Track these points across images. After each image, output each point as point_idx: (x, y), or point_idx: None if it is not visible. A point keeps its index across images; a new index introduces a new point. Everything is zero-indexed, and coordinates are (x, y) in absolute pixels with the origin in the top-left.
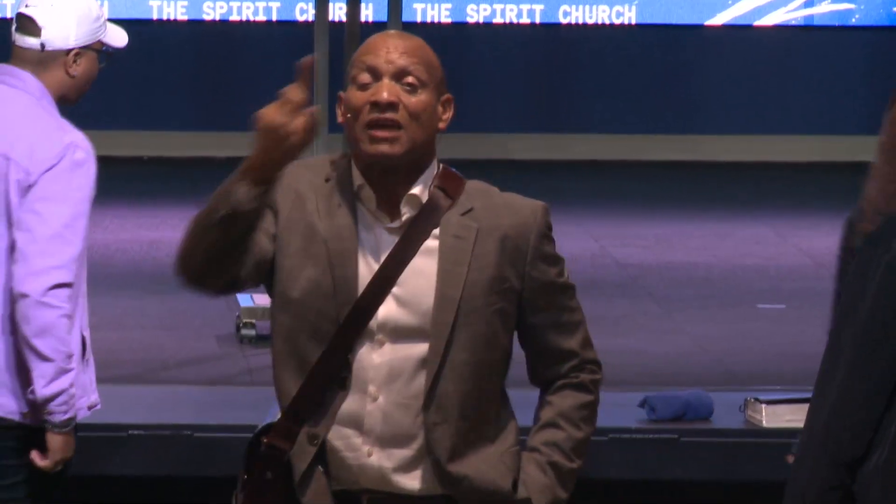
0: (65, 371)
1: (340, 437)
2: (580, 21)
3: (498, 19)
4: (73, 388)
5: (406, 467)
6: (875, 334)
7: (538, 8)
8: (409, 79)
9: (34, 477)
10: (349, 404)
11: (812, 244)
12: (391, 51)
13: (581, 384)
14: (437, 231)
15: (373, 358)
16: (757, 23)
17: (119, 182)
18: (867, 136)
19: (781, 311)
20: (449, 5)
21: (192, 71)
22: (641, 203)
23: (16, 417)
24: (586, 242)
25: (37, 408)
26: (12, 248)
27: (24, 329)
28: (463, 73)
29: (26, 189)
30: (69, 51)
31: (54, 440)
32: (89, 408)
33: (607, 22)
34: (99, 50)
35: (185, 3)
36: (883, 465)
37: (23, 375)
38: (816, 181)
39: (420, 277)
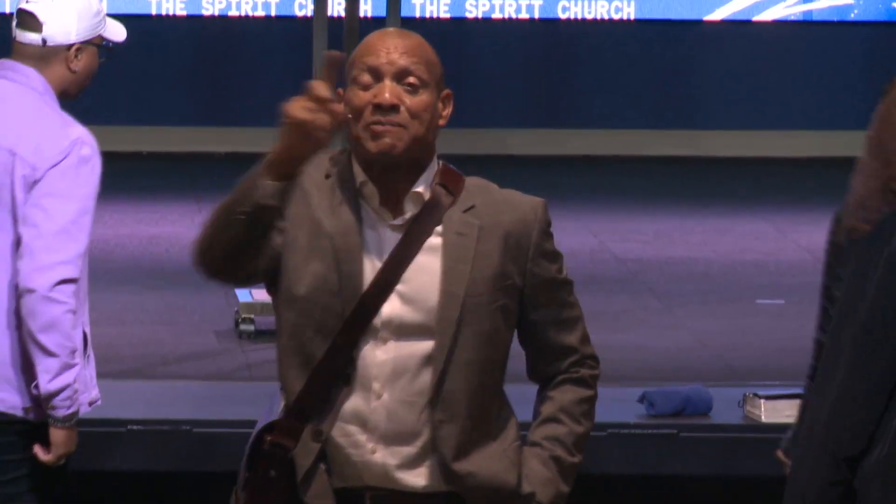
0: (69, 366)
1: (344, 435)
2: (579, 16)
3: (497, 15)
4: (77, 384)
5: (410, 464)
6: (875, 334)
7: (537, 3)
8: (411, 79)
9: (36, 471)
10: (353, 401)
11: (811, 239)
12: (391, 51)
13: (581, 379)
14: (439, 228)
15: (377, 355)
16: (756, 18)
17: (118, 177)
18: (866, 131)
19: (781, 306)
20: (448, 0)
21: (190, 66)
22: (641, 198)
23: (18, 413)
24: (585, 238)
25: (40, 403)
26: (17, 243)
27: (30, 324)
28: (462, 69)
29: (32, 185)
30: (70, 46)
31: (57, 435)
32: (90, 403)
33: (606, 17)
34: (99, 45)
35: None
36: (884, 460)
37: (26, 370)
38: (816, 176)
39: (424, 275)
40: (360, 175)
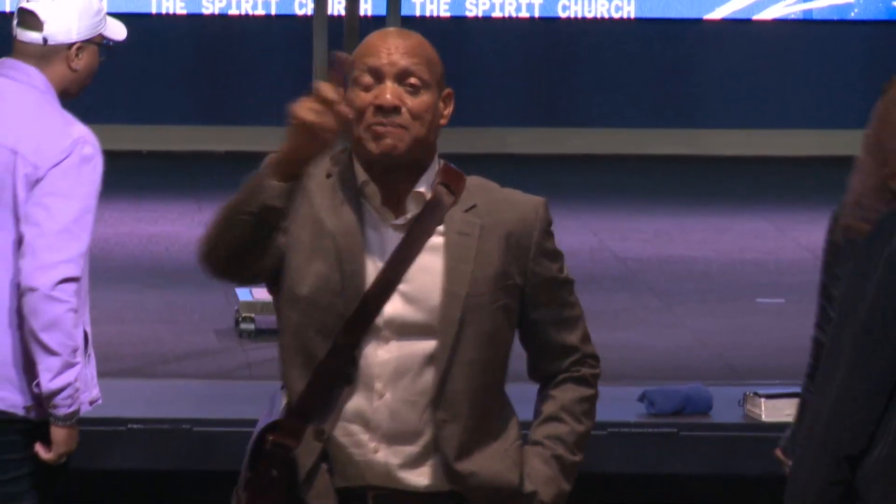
0: (71, 365)
1: (346, 434)
2: (579, 15)
3: (497, 13)
4: (78, 382)
5: (412, 464)
6: (875, 334)
7: (537, 2)
8: (412, 80)
9: (38, 470)
10: (356, 401)
11: (811, 238)
12: (392, 51)
13: (582, 378)
14: (441, 228)
15: (379, 354)
16: (756, 17)
17: (118, 176)
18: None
19: (781, 305)
20: None
21: (190, 65)
22: (640, 197)
23: (20, 412)
24: (585, 237)
25: (41, 401)
26: (19, 242)
27: (32, 323)
28: (462, 68)
29: (33, 183)
30: (71, 45)
31: (58, 433)
32: (91, 402)
33: (606, 16)
34: (100, 44)
35: None
36: (884, 460)
37: (27, 369)
38: (815, 175)
39: (426, 274)
40: (361, 174)
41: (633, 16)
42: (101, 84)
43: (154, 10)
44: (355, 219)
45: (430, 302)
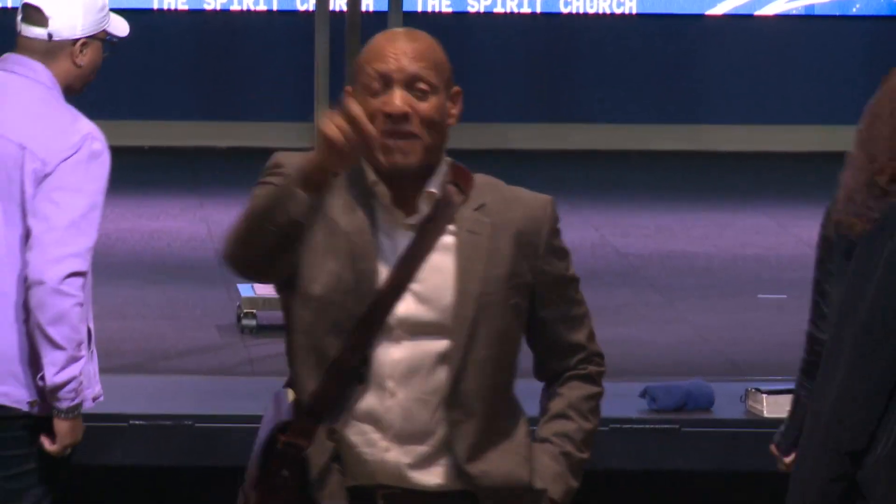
0: (75, 359)
1: (358, 433)
2: (581, 10)
3: (499, 9)
4: (82, 376)
5: (424, 463)
6: (875, 334)
7: None
8: (421, 85)
9: (42, 465)
10: (368, 400)
11: (812, 234)
12: (400, 56)
13: (588, 376)
14: (452, 227)
15: (391, 354)
16: (758, 12)
17: (119, 172)
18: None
19: (782, 300)
20: None
21: (192, 61)
22: (642, 193)
23: (24, 407)
24: (587, 232)
25: (45, 396)
26: (26, 237)
27: (39, 316)
28: (463, 63)
29: (42, 179)
30: (76, 41)
31: (62, 426)
32: (93, 399)
33: (608, 11)
34: (103, 39)
35: None
36: (886, 458)
37: (32, 365)
38: (817, 171)
39: (438, 274)
40: (371, 174)
41: (634, 11)
42: (103, 80)
43: (156, 6)
44: (367, 218)
45: (442, 301)
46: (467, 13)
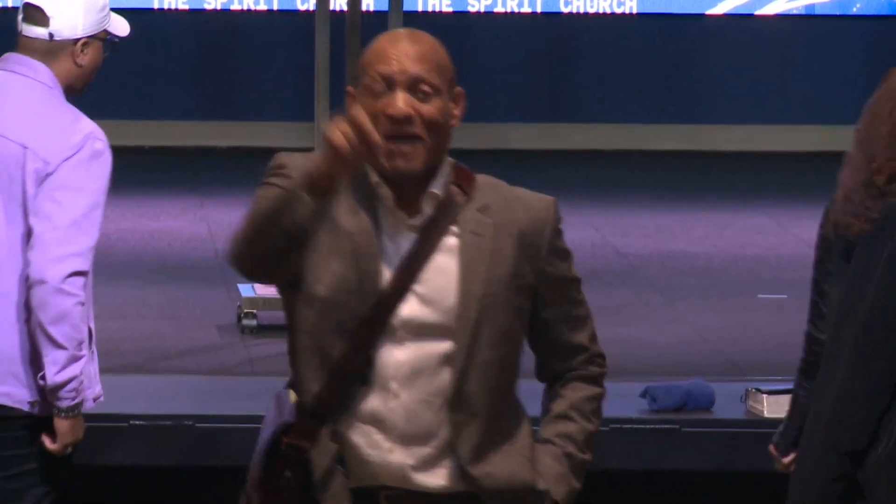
0: (76, 358)
1: (362, 434)
2: (581, 10)
3: (499, 8)
4: (83, 375)
5: (427, 465)
6: (875, 334)
7: None
8: (424, 87)
9: (43, 465)
10: (371, 401)
11: (812, 234)
12: (403, 58)
13: (590, 377)
14: (455, 228)
15: (395, 355)
16: (758, 12)
17: (120, 172)
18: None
19: (782, 300)
20: None
21: (193, 60)
22: (642, 192)
23: (25, 407)
24: (587, 232)
25: (46, 394)
26: (28, 237)
27: (41, 315)
28: (464, 63)
29: (43, 178)
30: (77, 40)
31: (62, 424)
32: (94, 399)
33: (608, 11)
34: (104, 39)
35: None
36: (887, 458)
37: (33, 364)
38: (817, 171)
39: (441, 275)
40: (374, 176)
41: (635, 11)
42: (104, 80)
43: (156, 6)
44: (370, 220)
45: (445, 303)
46: (467, 13)
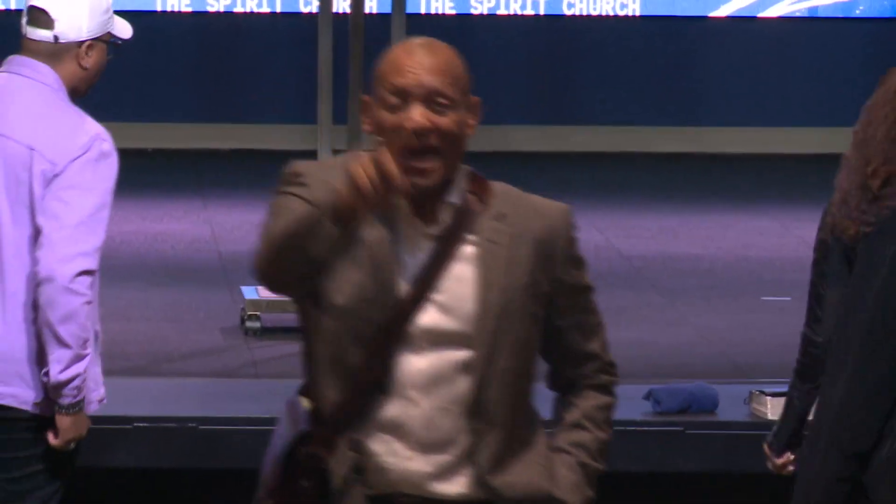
0: (81, 357)
1: (381, 442)
2: (584, 12)
3: (502, 10)
4: (86, 373)
5: (446, 473)
6: (877, 334)
7: None
8: (440, 99)
9: (47, 467)
10: (390, 409)
11: (815, 236)
12: (419, 70)
13: (602, 385)
14: (472, 236)
15: (414, 363)
16: (761, 14)
17: (123, 174)
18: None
19: (785, 302)
20: None
21: (195, 63)
22: (645, 195)
23: (29, 408)
24: (590, 234)
25: (48, 391)
26: (35, 238)
27: (49, 314)
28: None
29: (51, 179)
30: (81, 43)
31: (64, 421)
32: (98, 401)
33: (611, 13)
34: (108, 41)
35: None
36: (891, 458)
37: (39, 364)
38: (820, 173)
39: (459, 283)
40: None
41: (637, 13)
42: (107, 82)
43: (159, 8)
44: (388, 229)
45: (463, 311)
46: (470, 15)
